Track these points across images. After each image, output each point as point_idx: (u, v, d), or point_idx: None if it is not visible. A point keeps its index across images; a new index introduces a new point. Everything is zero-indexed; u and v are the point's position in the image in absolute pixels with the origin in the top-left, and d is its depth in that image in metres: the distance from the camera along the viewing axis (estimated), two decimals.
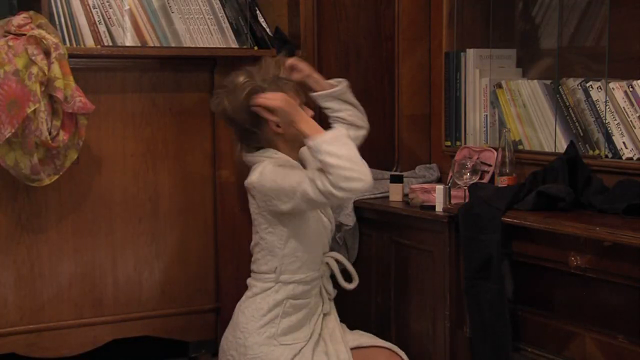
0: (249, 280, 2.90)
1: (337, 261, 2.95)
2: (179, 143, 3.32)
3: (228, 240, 3.41)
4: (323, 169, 2.53)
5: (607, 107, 2.83)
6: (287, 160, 2.81)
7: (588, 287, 2.69)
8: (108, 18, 3.13)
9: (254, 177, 2.76)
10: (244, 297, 2.90)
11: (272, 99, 2.69)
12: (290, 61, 2.95)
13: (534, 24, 3.36)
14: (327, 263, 2.90)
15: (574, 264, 2.58)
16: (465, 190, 3.00)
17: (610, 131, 2.82)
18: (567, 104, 2.99)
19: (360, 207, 3.36)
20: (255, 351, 2.81)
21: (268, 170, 2.72)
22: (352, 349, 2.90)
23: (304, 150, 2.86)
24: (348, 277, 2.95)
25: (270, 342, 2.81)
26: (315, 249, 2.85)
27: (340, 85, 3.01)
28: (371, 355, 2.93)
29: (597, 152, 2.89)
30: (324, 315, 2.95)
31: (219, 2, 3.34)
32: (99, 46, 3.10)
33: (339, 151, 2.52)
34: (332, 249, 3.37)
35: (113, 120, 3.22)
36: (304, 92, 2.87)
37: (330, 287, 2.94)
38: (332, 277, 2.98)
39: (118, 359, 3.37)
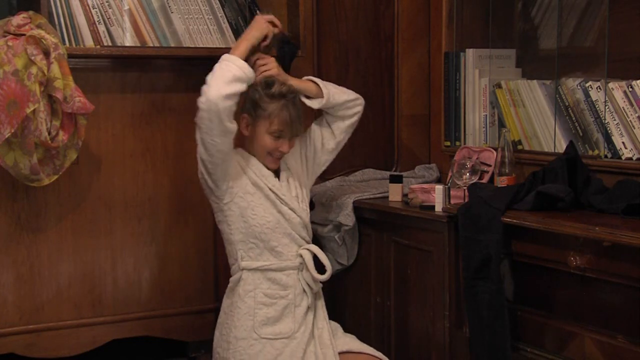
0: None
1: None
2: (179, 143, 3.31)
3: None
4: None
5: (606, 107, 2.83)
6: (243, 156, 2.91)
7: (587, 287, 2.69)
8: (107, 18, 3.13)
9: None
10: None
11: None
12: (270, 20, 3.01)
13: (533, 24, 3.36)
14: (301, 255, 2.91)
15: (573, 264, 2.58)
16: (464, 190, 3.00)
17: (609, 131, 2.82)
18: (567, 104, 2.99)
19: (359, 207, 3.36)
20: (235, 345, 2.84)
21: None
22: (340, 353, 2.91)
23: (287, 157, 2.99)
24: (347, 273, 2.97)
25: (249, 335, 2.83)
26: (273, 237, 2.88)
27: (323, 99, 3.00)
28: None
29: (596, 152, 2.89)
30: (314, 312, 2.94)
31: (218, 2, 3.34)
32: (98, 46, 3.09)
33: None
34: (331, 249, 3.37)
35: (112, 120, 3.22)
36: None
37: (310, 279, 2.93)
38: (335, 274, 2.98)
39: (117, 359, 3.36)
